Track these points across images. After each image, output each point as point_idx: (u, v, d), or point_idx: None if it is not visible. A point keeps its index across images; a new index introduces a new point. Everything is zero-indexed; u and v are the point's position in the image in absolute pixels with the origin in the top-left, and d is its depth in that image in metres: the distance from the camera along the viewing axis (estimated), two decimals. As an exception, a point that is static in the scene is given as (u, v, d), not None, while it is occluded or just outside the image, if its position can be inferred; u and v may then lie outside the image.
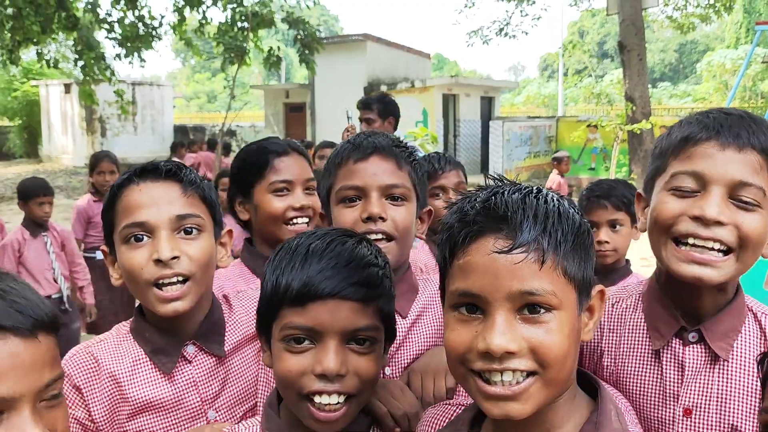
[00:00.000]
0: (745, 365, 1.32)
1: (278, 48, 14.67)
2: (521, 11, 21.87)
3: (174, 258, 1.45)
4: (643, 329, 1.42)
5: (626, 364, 1.42)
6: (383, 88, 20.87)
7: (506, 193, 1.03)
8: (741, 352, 1.33)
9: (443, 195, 2.79)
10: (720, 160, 1.23)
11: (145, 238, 1.47)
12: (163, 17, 14.28)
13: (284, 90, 25.47)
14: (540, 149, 21.28)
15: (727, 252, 1.25)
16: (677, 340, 1.37)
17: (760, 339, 1.35)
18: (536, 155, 21.08)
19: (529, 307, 0.98)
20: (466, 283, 1.00)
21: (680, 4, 22.41)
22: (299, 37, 14.25)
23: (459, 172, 2.90)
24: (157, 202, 1.48)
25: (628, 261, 2.82)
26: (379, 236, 1.57)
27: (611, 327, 1.47)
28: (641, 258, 6.52)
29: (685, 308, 1.36)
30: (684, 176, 1.26)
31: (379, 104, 5.20)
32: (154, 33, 14.10)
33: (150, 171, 1.53)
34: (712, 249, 1.25)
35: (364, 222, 1.57)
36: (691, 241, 1.25)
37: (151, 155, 25.97)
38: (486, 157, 20.20)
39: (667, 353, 1.37)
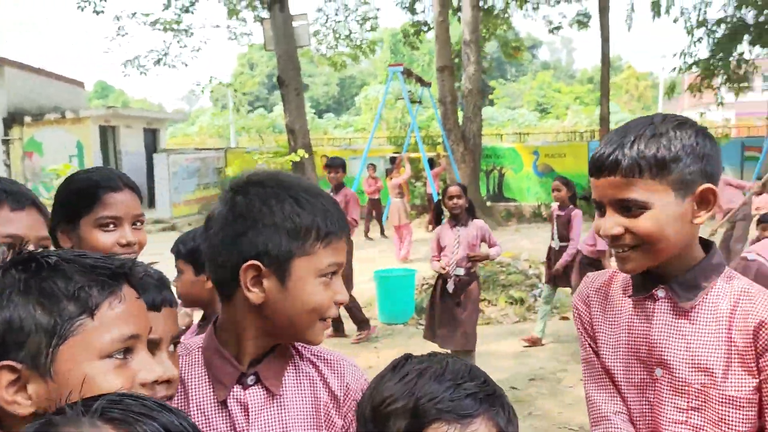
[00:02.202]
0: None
1: None
2: (179, 41, 21.49)
3: None
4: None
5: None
6: (27, 119, 18.72)
7: None
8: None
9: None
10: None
11: None
12: None
13: None
14: (210, 181, 21.06)
15: None
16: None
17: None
18: (206, 187, 20.78)
19: None
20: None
21: (332, 44, 24.29)
22: None
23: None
24: None
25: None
26: None
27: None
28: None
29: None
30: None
31: None
32: None
33: None
34: None
35: None
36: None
37: None
38: (152, 191, 19.33)
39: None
